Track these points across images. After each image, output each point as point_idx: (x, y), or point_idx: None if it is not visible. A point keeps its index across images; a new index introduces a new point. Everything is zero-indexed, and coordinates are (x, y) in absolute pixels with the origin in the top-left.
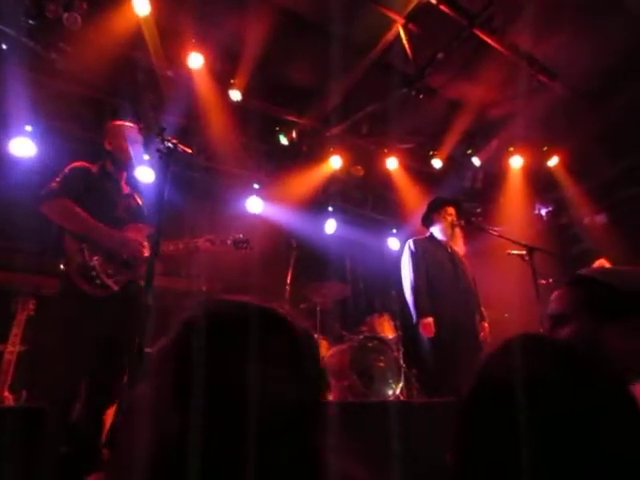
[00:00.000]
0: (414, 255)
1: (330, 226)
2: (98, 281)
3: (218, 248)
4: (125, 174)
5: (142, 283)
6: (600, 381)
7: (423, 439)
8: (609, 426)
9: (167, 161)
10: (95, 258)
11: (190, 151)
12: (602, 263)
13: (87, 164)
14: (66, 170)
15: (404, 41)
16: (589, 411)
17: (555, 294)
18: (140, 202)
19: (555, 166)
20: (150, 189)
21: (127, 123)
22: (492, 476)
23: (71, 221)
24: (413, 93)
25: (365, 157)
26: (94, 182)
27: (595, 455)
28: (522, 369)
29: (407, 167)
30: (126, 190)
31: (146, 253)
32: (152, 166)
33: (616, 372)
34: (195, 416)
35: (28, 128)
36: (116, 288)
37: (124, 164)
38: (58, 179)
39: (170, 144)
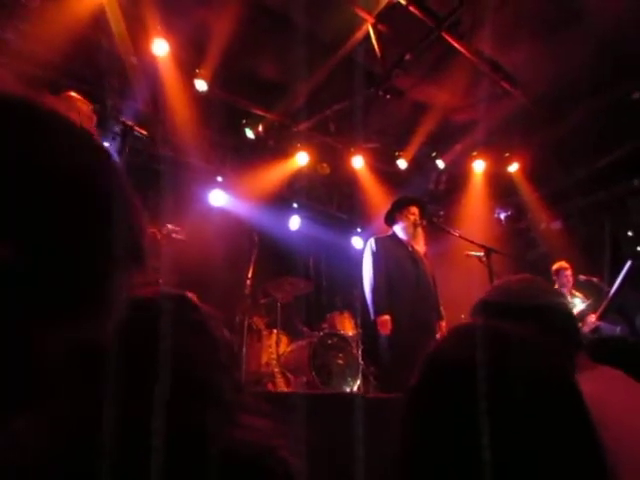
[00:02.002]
0: (375, 254)
1: (294, 222)
2: None
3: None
4: None
5: None
6: (547, 367)
7: (375, 433)
8: (552, 410)
9: (122, 143)
10: None
11: (146, 133)
12: (562, 266)
13: None
14: None
15: (373, 41)
16: (537, 396)
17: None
18: None
19: (515, 172)
20: None
21: (79, 97)
22: (439, 460)
23: None
24: (380, 93)
25: (331, 155)
26: None
27: (543, 438)
28: (471, 355)
29: (372, 167)
30: None
31: None
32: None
33: (557, 357)
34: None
35: None
36: None
37: None
38: None
39: (125, 126)
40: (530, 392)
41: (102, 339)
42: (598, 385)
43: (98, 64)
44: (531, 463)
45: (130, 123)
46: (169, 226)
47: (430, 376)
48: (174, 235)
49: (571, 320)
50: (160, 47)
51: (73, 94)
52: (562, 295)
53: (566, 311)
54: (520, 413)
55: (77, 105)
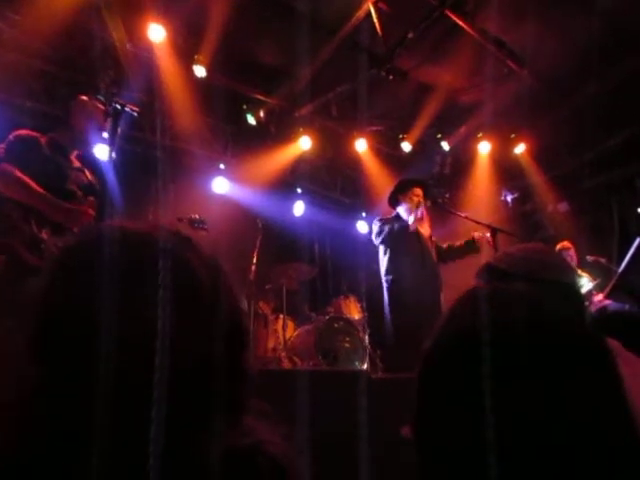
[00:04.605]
0: (381, 230)
1: (298, 208)
2: (48, 254)
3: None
4: (77, 150)
5: None
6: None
7: (380, 413)
8: (583, 374)
9: (115, 123)
10: (44, 231)
11: (137, 109)
12: (564, 245)
13: (34, 133)
14: (10, 137)
15: (375, 20)
16: (564, 358)
17: None
18: (91, 178)
19: (522, 154)
20: (106, 167)
21: (93, 101)
22: (454, 433)
23: (17, 189)
24: (383, 74)
25: (334, 139)
26: (42, 152)
27: (566, 402)
28: (490, 317)
29: (376, 150)
30: (76, 164)
31: None
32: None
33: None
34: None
35: None
36: None
37: (80, 141)
38: (1, 146)
39: (117, 105)
40: (551, 350)
41: None
42: None
43: (93, 52)
44: (554, 428)
45: (121, 101)
46: (194, 216)
47: (446, 341)
48: (196, 225)
49: (575, 301)
50: (156, 33)
51: (85, 99)
52: (573, 273)
53: (571, 291)
54: (541, 375)
55: (89, 110)
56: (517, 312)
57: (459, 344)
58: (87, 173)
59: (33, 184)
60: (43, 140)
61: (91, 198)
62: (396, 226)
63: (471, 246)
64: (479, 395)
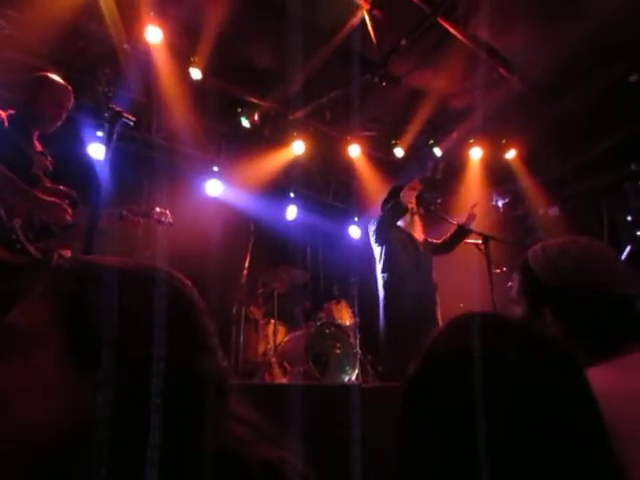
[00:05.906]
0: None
1: (291, 212)
2: (18, 246)
3: (136, 220)
4: (38, 132)
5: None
6: (553, 359)
7: (373, 423)
8: (560, 404)
9: (111, 129)
10: (14, 220)
11: (134, 119)
12: None
13: None
14: None
15: (369, 27)
16: (541, 389)
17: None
18: (51, 164)
19: (512, 159)
20: (101, 166)
21: (58, 79)
22: (437, 457)
23: None
24: (376, 80)
25: (328, 143)
26: (6, 132)
27: (547, 432)
28: (471, 346)
29: (369, 155)
30: (39, 148)
31: (69, 219)
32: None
33: (568, 351)
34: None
35: None
36: (38, 255)
37: (40, 121)
38: None
39: (113, 111)
40: (529, 384)
41: None
42: (623, 373)
43: (90, 52)
44: (532, 460)
45: (118, 109)
46: (157, 209)
47: (428, 368)
48: (162, 219)
49: (624, 307)
50: (154, 34)
51: (49, 77)
52: (622, 277)
53: (618, 298)
54: (519, 407)
55: (52, 89)
56: (507, 355)
57: (444, 378)
58: (49, 158)
59: (3, 169)
60: (3, 115)
61: (59, 187)
62: (392, 204)
63: (462, 230)
64: (461, 427)
